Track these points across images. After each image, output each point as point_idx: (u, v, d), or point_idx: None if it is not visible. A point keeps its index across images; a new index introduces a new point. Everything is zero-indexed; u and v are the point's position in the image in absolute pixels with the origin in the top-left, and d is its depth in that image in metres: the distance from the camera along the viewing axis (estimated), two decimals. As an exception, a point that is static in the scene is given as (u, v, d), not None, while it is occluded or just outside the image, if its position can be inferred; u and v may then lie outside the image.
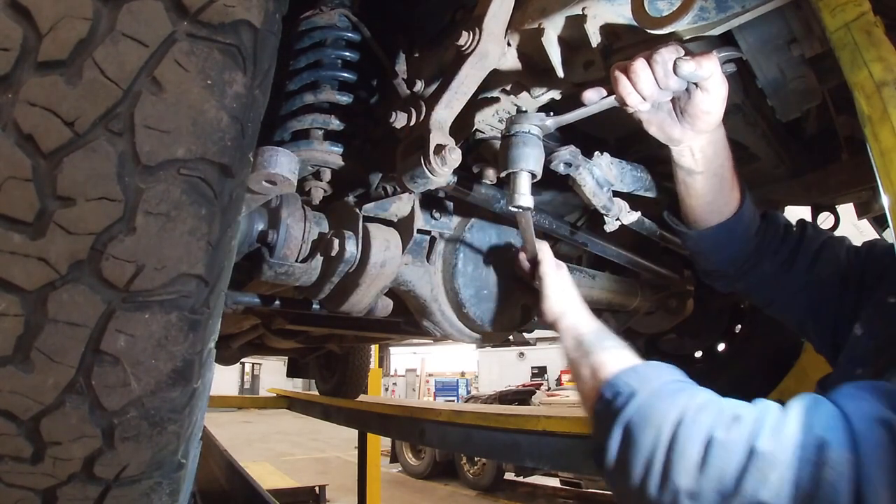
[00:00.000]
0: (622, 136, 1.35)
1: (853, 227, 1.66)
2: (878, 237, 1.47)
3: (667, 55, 0.73)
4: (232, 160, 0.65)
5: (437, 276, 1.20)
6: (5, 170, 0.57)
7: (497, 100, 1.07)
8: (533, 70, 0.98)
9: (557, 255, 1.63)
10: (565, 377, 14.98)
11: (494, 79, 0.96)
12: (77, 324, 0.59)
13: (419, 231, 1.13)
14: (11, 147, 0.57)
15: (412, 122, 0.92)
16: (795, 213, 1.49)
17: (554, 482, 7.33)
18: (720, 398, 0.65)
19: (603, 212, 1.01)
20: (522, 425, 2.23)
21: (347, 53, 1.13)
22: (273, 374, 20.18)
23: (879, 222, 1.67)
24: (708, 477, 0.55)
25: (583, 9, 0.83)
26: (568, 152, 0.91)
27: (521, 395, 8.92)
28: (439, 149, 0.84)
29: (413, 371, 18.79)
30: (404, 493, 7.27)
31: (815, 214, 1.57)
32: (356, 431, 4.52)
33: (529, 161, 0.83)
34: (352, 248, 1.03)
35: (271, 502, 2.83)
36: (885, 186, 0.57)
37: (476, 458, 7.30)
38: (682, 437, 0.59)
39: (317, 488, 5.13)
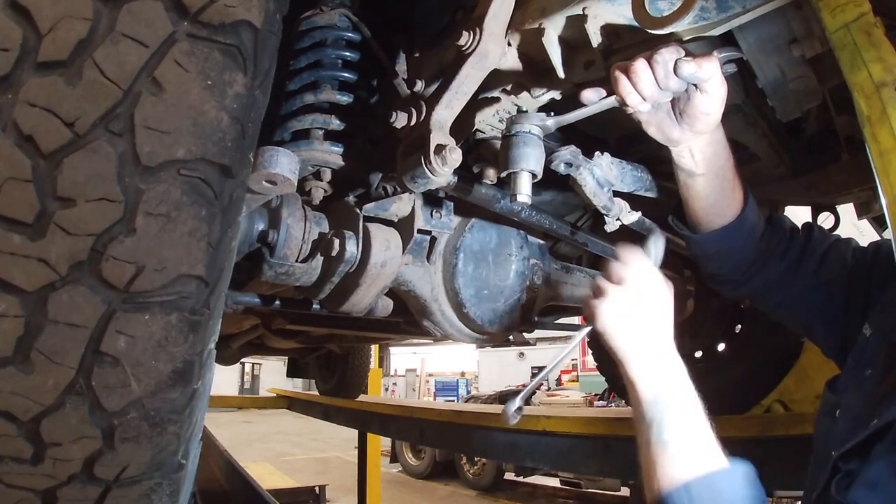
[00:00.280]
0: (622, 136, 1.35)
1: (853, 227, 1.66)
2: (882, 237, 1.47)
3: (667, 56, 0.73)
4: (232, 160, 0.64)
5: (437, 276, 1.20)
6: (5, 170, 0.57)
7: (497, 100, 1.07)
8: (533, 70, 0.98)
9: (557, 256, 1.64)
10: (565, 377, 14.99)
11: (495, 79, 0.96)
12: (77, 325, 0.59)
13: (419, 231, 1.12)
14: (11, 147, 0.57)
15: (412, 122, 0.92)
16: (795, 213, 1.49)
17: (554, 482, 7.33)
18: None
19: (603, 212, 1.01)
20: (522, 425, 2.23)
21: (348, 53, 1.13)
22: (273, 374, 20.17)
23: (879, 222, 1.67)
24: None
25: (583, 9, 0.83)
26: (568, 152, 0.91)
27: (521, 395, 8.90)
28: (440, 149, 0.84)
29: (413, 371, 18.79)
30: (404, 493, 7.27)
31: (815, 214, 1.56)
32: (356, 431, 4.52)
33: (530, 161, 0.83)
34: (352, 248, 1.03)
35: (271, 502, 2.83)
36: (883, 187, 0.57)
37: (476, 458, 7.30)
38: None
39: (317, 488, 5.14)
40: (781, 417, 1.63)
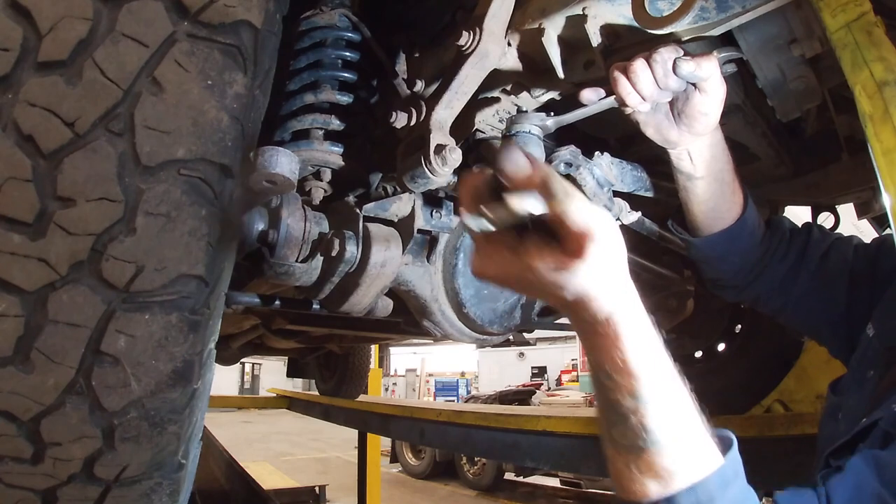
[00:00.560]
0: (622, 136, 1.35)
1: (853, 227, 1.66)
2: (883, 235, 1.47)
3: (666, 55, 0.73)
4: (232, 160, 0.64)
5: (437, 276, 1.20)
6: (5, 170, 0.57)
7: (497, 100, 1.07)
8: (533, 70, 0.98)
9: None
10: (565, 377, 14.99)
11: (495, 79, 0.96)
12: (77, 324, 0.59)
13: (419, 231, 1.12)
14: (11, 147, 0.57)
15: (412, 122, 0.92)
16: (795, 213, 1.49)
17: (554, 482, 7.33)
18: None
19: (603, 212, 1.01)
20: (522, 425, 2.23)
21: (347, 53, 1.13)
22: (273, 374, 20.18)
23: (879, 222, 1.67)
24: None
25: (583, 9, 0.83)
26: (568, 152, 0.91)
27: (521, 395, 8.92)
28: (440, 149, 0.84)
29: (413, 371, 18.79)
30: (404, 493, 7.27)
31: (815, 214, 1.56)
32: (356, 431, 4.52)
33: (530, 161, 0.83)
34: (352, 248, 1.03)
35: (271, 502, 2.83)
36: (886, 186, 0.57)
37: (476, 458, 7.30)
38: None
39: (317, 488, 5.14)
40: (781, 417, 1.63)
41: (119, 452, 0.63)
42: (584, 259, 0.49)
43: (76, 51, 0.58)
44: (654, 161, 1.09)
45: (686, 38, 0.79)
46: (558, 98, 1.03)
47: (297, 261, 1.04)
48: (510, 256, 0.52)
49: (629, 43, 0.86)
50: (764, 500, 0.61)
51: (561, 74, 0.92)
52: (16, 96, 0.57)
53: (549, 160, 0.90)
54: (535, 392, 9.41)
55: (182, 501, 0.74)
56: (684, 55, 0.73)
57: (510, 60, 0.96)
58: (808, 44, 0.85)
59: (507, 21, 0.87)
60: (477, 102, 1.07)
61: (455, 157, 0.84)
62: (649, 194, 1.07)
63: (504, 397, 8.70)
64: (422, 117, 0.90)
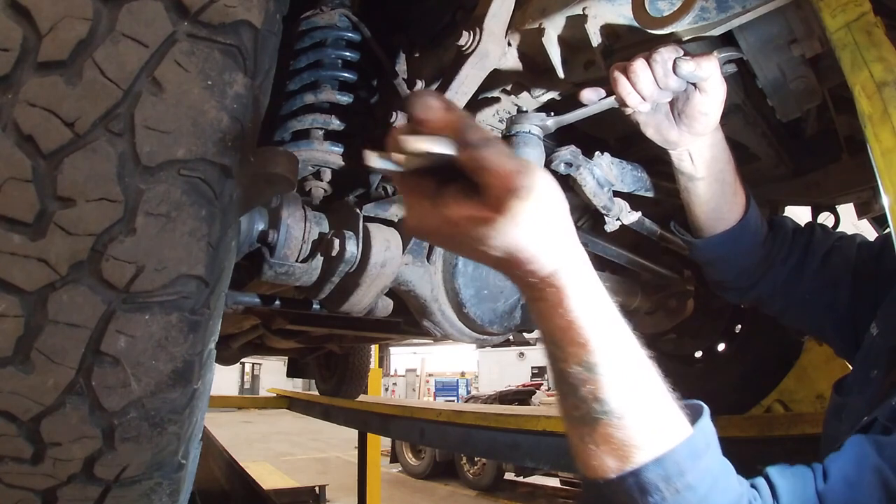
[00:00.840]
0: (622, 136, 1.35)
1: (853, 228, 1.66)
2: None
3: (666, 55, 0.73)
4: (232, 160, 0.64)
5: (437, 276, 1.20)
6: (5, 170, 0.57)
7: (497, 100, 1.07)
8: (533, 70, 0.98)
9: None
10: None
11: (495, 79, 0.96)
12: (77, 325, 0.59)
13: (418, 230, 1.12)
14: (11, 147, 0.57)
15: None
16: (795, 213, 1.49)
17: (554, 482, 7.33)
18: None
19: (603, 212, 1.01)
20: (522, 425, 2.23)
21: (347, 53, 1.13)
22: (273, 374, 20.17)
23: (879, 222, 1.67)
24: None
25: (583, 9, 0.83)
26: (568, 152, 0.91)
27: (521, 395, 8.92)
28: (440, 149, 0.84)
29: (413, 371, 18.79)
30: (404, 493, 7.27)
31: (815, 214, 1.56)
32: (356, 431, 4.52)
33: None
34: (352, 249, 1.03)
35: (271, 502, 2.83)
36: (885, 187, 0.57)
37: (476, 458, 7.30)
38: None
39: (317, 488, 5.14)
40: (781, 417, 1.63)
41: (119, 452, 0.63)
42: (507, 214, 0.43)
43: (76, 51, 0.58)
44: (654, 161, 1.09)
45: (686, 39, 0.79)
46: (558, 98, 1.03)
47: (297, 261, 1.04)
48: (428, 206, 0.47)
49: (629, 43, 0.86)
50: None
51: (561, 74, 0.92)
52: (16, 96, 0.57)
53: (549, 160, 0.90)
54: (535, 392, 9.40)
55: (182, 501, 0.74)
56: (684, 55, 0.73)
57: (510, 60, 0.96)
58: (808, 44, 0.85)
59: (507, 21, 0.87)
60: (477, 102, 1.07)
61: (455, 157, 0.84)
62: (649, 194, 1.07)
63: (504, 397, 8.70)
64: (422, 117, 0.90)
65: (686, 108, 0.78)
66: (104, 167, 0.58)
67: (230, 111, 0.64)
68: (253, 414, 15.20)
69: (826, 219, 1.54)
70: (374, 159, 0.46)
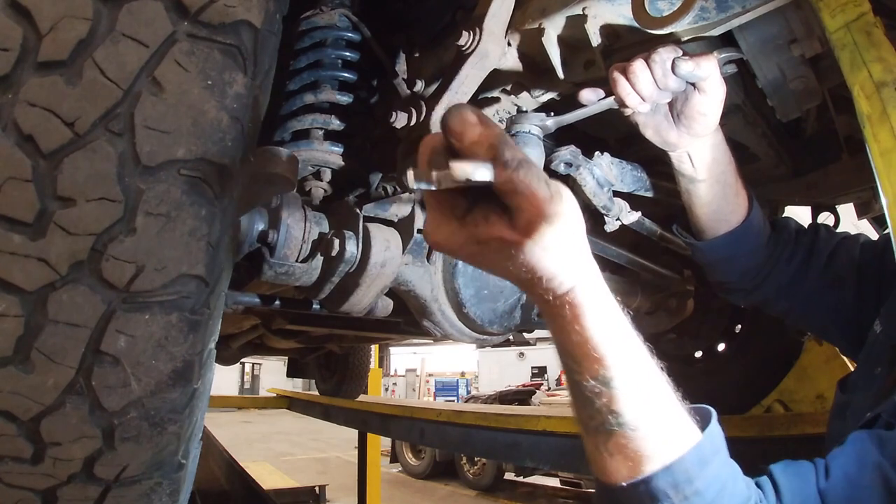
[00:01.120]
0: (622, 136, 1.35)
1: (853, 228, 1.66)
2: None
3: (665, 55, 0.73)
4: (232, 160, 0.65)
5: (437, 276, 1.20)
6: (5, 170, 0.57)
7: (497, 100, 1.07)
8: (533, 70, 0.98)
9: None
10: (565, 377, 14.96)
11: (495, 79, 0.96)
12: (77, 324, 0.59)
13: (419, 231, 1.12)
14: (11, 147, 0.57)
15: (412, 122, 0.93)
16: (795, 213, 1.49)
17: (554, 482, 7.33)
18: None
19: (603, 212, 1.01)
20: (522, 425, 2.23)
21: (347, 53, 1.13)
22: (273, 374, 20.17)
23: (879, 222, 1.67)
24: None
25: (583, 9, 0.83)
26: (568, 152, 0.91)
27: (521, 395, 8.92)
28: (439, 149, 0.84)
29: (413, 371, 18.79)
30: (404, 493, 7.27)
31: (815, 214, 1.56)
32: (356, 431, 4.52)
33: (530, 161, 0.83)
34: (352, 249, 1.03)
35: (271, 502, 2.83)
36: (884, 187, 0.57)
37: (476, 458, 7.30)
38: None
39: (317, 488, 5.14)
40: (781, 417, 1.63)
41: (119, 452, 0.63)
42: (535, 238, 0.45)
43: (76, 51, 0.58)
44: (654, 161, 1.09)
45: (686, 39, 0.79)
46: (558, 98, 1.03)
47: (297, 261, 1.04)
48: (456, 225, 0.48)
49: (629, 43, 0.86)
50: None
51: (561, 74, 0.92)
52: (16, 96, 0.57)
53: (549, 160, 0.90)
54: (535, 392, 9.40)
55: (182, 501, 0.74)
56: (683, 55, 0.73)
57: (510, 60, 0.96)
58: (807, 44, 0.85)
59: (507, 21, 0.87)
60: (477, 102, 1.07)
61: (455, 157, 0.84)
62: (649, 194, 1.07)
63: (504, 397, 8.70)
64: (422, 117, 0.91)
65: (685, 108, 0.78)
66: (104, 167, 0.58)
67: (230, 111, 0.64)
68: (253, 414, 15.21)
69: (826, 219, 1.54)
70: (412, 181, 0.45)
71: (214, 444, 3.83)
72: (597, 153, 0.97)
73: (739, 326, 2.00)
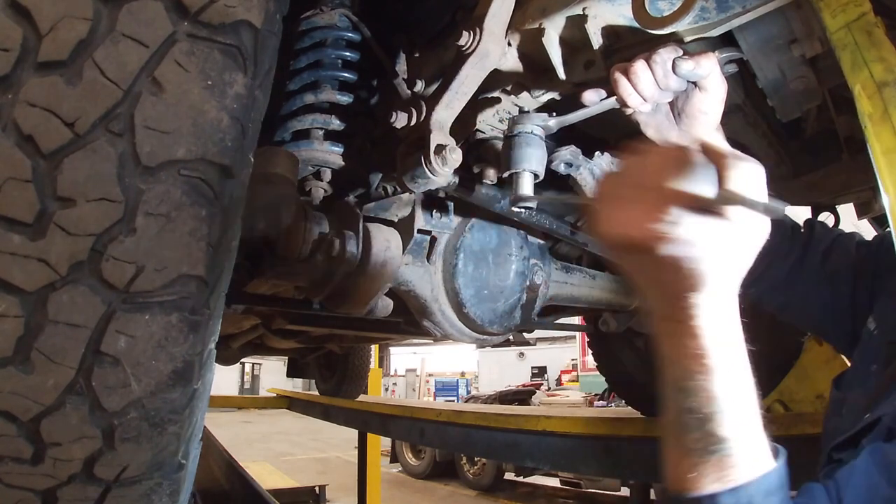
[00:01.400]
0: (623, 136, 1.35)
1: (853, 228, 1.66)
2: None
3: (666, 55, 0.73)
4: (232, 160, 0.64)
5: (437, 276, 1.20)
6: (5, 170, 0.57)
7: (498, 100, 1.07)
8: (533, 70, 0.98)
9: (557, 256, 1.64)
10: (565, 377, 14.99)
11: (495, 79, 0.96)
12: (77, 325, 0.59)
13: (419, 231, 1.13)
14: (11, 147, 0.57)
15: (413, 122, 0.92)
16: (796, 213, 1.49)
17: (554, 482, 7.33)
18: None
19: (603, 212, 1.01)
20: (522, 425, 2.23)
21: (348, 53, 1.13)
22: (273, 374, 20.17)
23: (879, 222, 1.67)
24: None
25: (583, 9, 0.83)
26: (569, 152, 0.91)
27: (521, 395, 8.92)
28: (440, 149, 0.84)
29: (413, 371, 18.78)
30: (404, 493, 7.27)
31: (815, 214, 1.56)
32: (356, 431, 4.52)
33: (532, 161, 0.83)
34: (352, 248, 1.03)
35: (271, 502, 2.83)
36: (885, 186, 0.57)
37: (476, 458, 7.30)
38: None
39: (317, 488, 5.14)
40: (781, 417, 1.63)
41: (119, 452, 0.63)
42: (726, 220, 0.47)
43: (76, 51, 0.58)
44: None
45: (687, 39, 0.79)
46: (559, 98, 1.03)
47: (297, 261, 1.04)
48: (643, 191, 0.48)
49: (630, 43, 0.86)
50: None
51: (561, 75, 0.92)
52: (16, 96, 0.57)
53: (549, 160, 0.90)
54: (535, 392, 9.41)
55: (182, 501, 0.74)
56: (684, 55, 0.73)
57: (510, 60, 0.96)
58: (808, 44, 0.85)
59: (507, 21, 0.87)
60: (477, 103, 1.07)
61: (455, 157, 0.84)
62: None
63: (504, 397, 8.70)
64: (422, 117, 0.91)
65: (686, 107, 0.78)
66: (104, 167, 0.58)
67: (230, 111, 0.64)
68: (253, 414, 15.21)
69: (826, 219, 1.54)
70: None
71: (214, 444, 3.82)
72: (597, 153, 0.97)
73: (739, 326, 1.99)
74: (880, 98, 0.56)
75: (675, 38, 0.78)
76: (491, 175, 1.13)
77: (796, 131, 1.37)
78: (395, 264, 1.08)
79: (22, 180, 0.57)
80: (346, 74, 1.13)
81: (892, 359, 0.69)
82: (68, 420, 0.60)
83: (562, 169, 0.93)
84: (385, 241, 1.06)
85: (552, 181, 0.99)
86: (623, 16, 0.81)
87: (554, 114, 0.86)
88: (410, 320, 1.36)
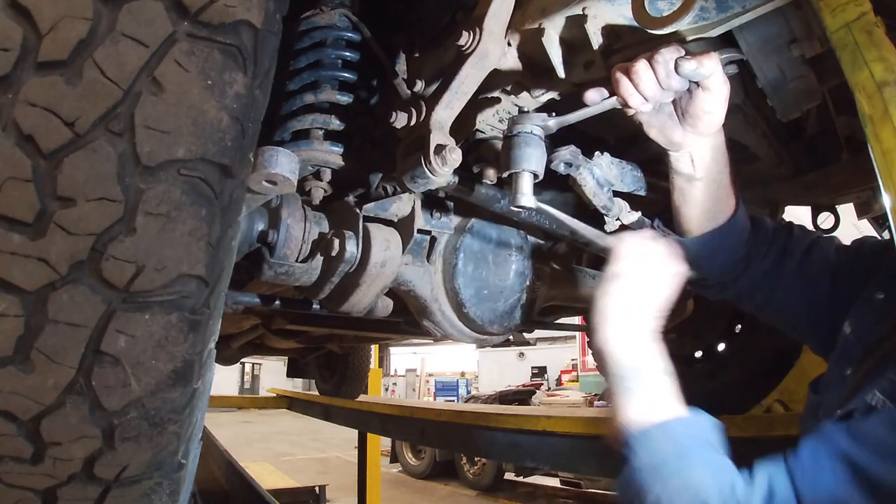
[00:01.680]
0: (622, 136, 1.35)
1: (853, 227, 1.66)
2: (879, 236, 1.47)
3: (668, 55, 0.73)
4: (232, 160, 0.65)
5: (437, 276, 1.20)
6: (5, 170, 0.57)
7: (497, 100, 1.07)
8: (533, 70, 0.98)
9: (558, 255, 1.64)
10: (565, 377, 14.99)
11: (495, 79, 0.96)
12: (77, 324, 0.59)
13: (419, 231, 1.13)
14: (11, 147, 0.57)
15: (412, 122, 0.92)
16: (796, 213, 1.49)
17: (554, 482, 7.33)
18: (707, 480, 0.64)
19: (603, 212, 1.01)
20: (522, 425, 2.23)
21: (347, 53, 1.13)
22: (273, 374, 20.17)
23: (879, 222, 1.67)
24: None
25: (583, 9, 0.83)
26: (568, 152, 0.91)
27: (521, 395, 8.92)
28: (439, 149, 0.84)
29: (413, 371, 18.78)
30: (404, 493, 7.27)
31: (815, 214, 1.57)
32: (356, 431, 4.52)
33: (532, 161, 0.83)
34: (352, 248, 1.03)
35: (271, 502, 2.83)
36: (885, 186, 0.57)
37: (476, 458, 7.30)
38: None
39: (317, 488, 5.14)
40: (781, 417, 1.63)
41: (119, 452, 0.63)
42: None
43: (76, 51, 0.58)
44: (655, 161, 1.09)
45: (686, 39, 0.79)
46: (559, 98, 1.03)
47: (297, 261, 1.04)
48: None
49: (629, 43, 0.86)
50: None
51: (561, 74, 0.92)
52: (16, 96, 0.57)
53: (549, 160, 0.90)
54: (535, 392, 9.41)
55: (182, 501, 0.74)
56: (685, 55, 0.73)
57: (510, 60, 0.96)
58: (808, 44, 0.85)
59: (507, 21, 0.87)
60: (477, 102, 1.07)
61: (455, 157, 0.84)
62: (650, 194, 1.07)
63: (504, 397, 8.70)
64: (422, 117, 0.90)
65: (690, 107, 0.78)
66: (104, 167, 0.58)
67: (230, 111, 0.64)
68: (253, 414, 15.21)
69: (826, 219, 1.55)
70: None
71: (214, 444, 3.83)
72: (597, 153, 0.97)
73: (739, 326, 2.00)
74: (880, 98, 0.56)
75: (674, 38, 0.78)
76: (491, 175, 1.13)
77: (796, 131, 1.37)
78: (395, 264, 1.08)
79: (22, 180, 0.57)
80: (346, 74, 1.13)
81: (865, 362, 0.70)
82: (68, 419, 0.60)
83: (561, 169, 0.93)
84: (385, 241, 1.06)
85: (552, 181, 0.99)
86: (623, 16, 0.81)
87: (553, 114, 0.86)
88: (410, 320, 1.35)
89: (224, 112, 0.63)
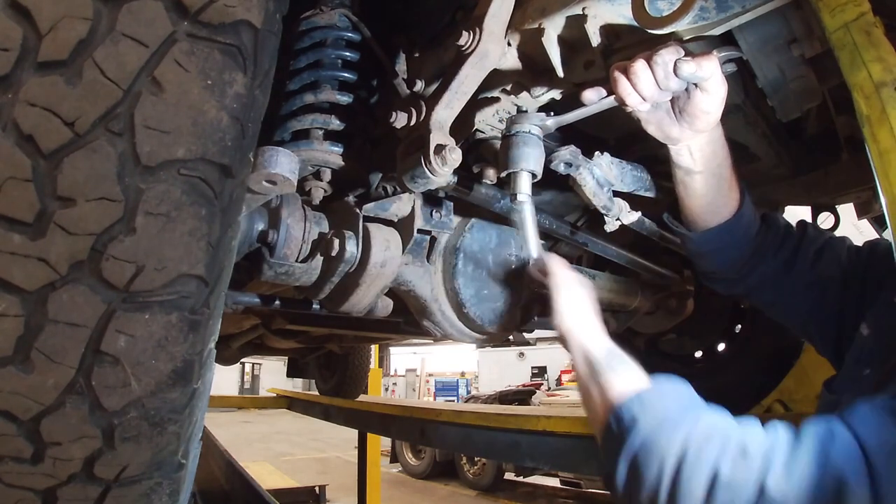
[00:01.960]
0: (622, 135, 1.35)
1: (853, 227, 1.66)
2: (880, 237, 1.47)
3: (667, 56, 0.73)
4: (232, 160, 0.65)
5: (437, 276, 1.20)
6: (5, 170, 0.57)
7: (497, 100, 1.07)
8: (533, 70, 0.98)
9: (558, 255, 1.64)
10: (565, 377, 14.97)
11: (495, 79, 0.96)
12: (77, 324, 0.59)
13: (419, 231, 1.12)
14: (11, 147, 0.57)
15: (412, 122, 0.92)
16: (796, 213, 1.49)
17: (554, 482, 7.33)
18: (727, 423, 0.62)
19: (603, 212, 1.01)
20: (522, 425, 2.23)
21: (347, 53, 1.13)
22: (273, 374, 20.17)
23: (879, 222, 1.67)
24: None
25: (583, 9, 0.83)
26: (568, 152, 0.91)
27: (521, 395, 8.91)
28: (439, 149, 0.84)
29: (413, 371, 18.78)
30: (404, 493, 7.27)
31: (815, 214, 1.56)
32: (356, 431, 4.52)
33: (530, 161, 0.83)
34: (352, 248, 1.03)
35: (271, 502, 2.83)
36: (883, 187, 0.57)
37: (476, 458, 7.30)
38: (685, 474, 0.57)
39: (317, 488, 5.14)
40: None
41: (119, 452, 0.63)
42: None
43: (76, 51, 0.58)
44: (655, 160, 1.09)
45: (686, 38, 0.80)
46: (558, 98, 1.03)
47: (297, 261, 1.04)
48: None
49: (629, 43, 0.86)
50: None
51: (561, 74, 0.92)
52: (16, 96, 0.57)
53: (548, 160, 0.90)
54: (535, 392, 9.39)
55: (182, 501, 0.74)
56: (685, 55, 0.73)
57: (510, 60, 0.96)
58: (807, 44, 0.85)
59: (507, 21, 0.87)
60: (477, 102, 1.07)
61: (455, 157, 0.84)
62: (649, 194, 1.07)
63: (504, 397, 8.69)
64: (422, 117, 0.91)
65: (687, 106, 0.79)
66: (104, 167, 0.58)
67: (230, 111, 0.64)
68: (253, 414, 15.21)
69: (826, 219, 1.54)
70: None
71: (214, 444, 3.83)
72: (597, 153, 0.97)
73: (739, 326, 2.00)
74: (878, 98, 0.56)
75: (674, 38, 0.78)
76: (490, 175, 1.13)
77: (796, 131, 1.37)
78: (395, 264, 1.08)
79: (22, 180, 0.57)
80: (345, 74, 1.13)
81: (885, 363, 0.70)
82: (68, 419, 0.61)
83: (561, 169, 0.93)
84: (385, 241, 1.06)
85: (552, 181, 0.99)
86: (622, 15, 0.81)
87: (552, 113, 0.86)
88: (410, 320, 1.35)
89: (224, 112, 0.63)
